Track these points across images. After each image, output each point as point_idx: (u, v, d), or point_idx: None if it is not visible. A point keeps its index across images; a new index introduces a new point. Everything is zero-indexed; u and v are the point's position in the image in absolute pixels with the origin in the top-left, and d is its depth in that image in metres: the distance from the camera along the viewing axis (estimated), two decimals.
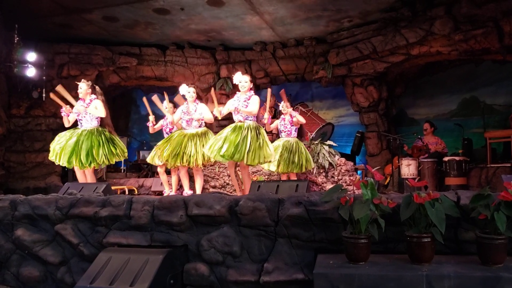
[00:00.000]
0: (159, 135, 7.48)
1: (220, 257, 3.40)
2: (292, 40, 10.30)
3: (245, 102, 5.65)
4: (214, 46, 10.78)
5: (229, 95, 10.82)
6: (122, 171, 10.84)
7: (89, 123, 6.05)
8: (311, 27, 9.51)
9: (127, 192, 8.57)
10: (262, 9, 8.47)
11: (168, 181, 7.19)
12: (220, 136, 5.51)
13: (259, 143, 5.44)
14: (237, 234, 3.43)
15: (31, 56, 9.17)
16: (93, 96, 6.14)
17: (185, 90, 6.19)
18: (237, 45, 10.65)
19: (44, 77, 9.59)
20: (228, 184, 7.67)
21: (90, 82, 6.32)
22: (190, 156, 5.80)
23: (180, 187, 7.43)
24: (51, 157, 5.98)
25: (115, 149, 6.02)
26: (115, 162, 6.26)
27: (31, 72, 9.19)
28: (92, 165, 5.84)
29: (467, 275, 2.55)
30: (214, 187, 7.69)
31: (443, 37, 8.40)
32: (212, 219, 3.48)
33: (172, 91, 12.12)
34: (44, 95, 9.63)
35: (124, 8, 8.44)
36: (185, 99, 6.18)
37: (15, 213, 4.10)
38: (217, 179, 7.79)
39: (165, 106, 6.82)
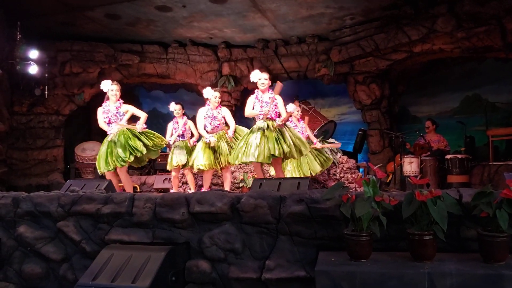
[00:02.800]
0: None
1: (222, 254, 3.40)
2: (294, 37, 10.29)
3: (269, 104, 5.54)
4: (216, 44, 10.78)
5: (231, 93, 10.84)
6: None
7: (117, 127, 5.95)
8: (314, 25, 9.50)
9: None
10: (264, 6, 8.46)
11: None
12: (250, 140, 5.40)
13: (294, 138, 5.51)
14: (239, 231, 3.44)
15: (34, 53, 9.19)
16: (121, 101, 6.08)
17: (211, 94, 6.17)
18: (239, 42, 10.65)
19: (46, 75, 9.63)
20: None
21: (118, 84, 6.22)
22: (226, 155, 5.91)
23: (200, 187, 7.43)
24: (98, 169, 5.96)
25: (150, 140, 5.97)
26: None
27: (33, 69, 9.21)
28: (132, 156, 5.73)
29: (469, 273, 2.55)
30: (216, 184, 7.69)
31: (445, 34, 8.38)
32: (214, 216, 3.48)
33: (174, 89, 12.18)
34: (46, 92, 9.67)
35: (126, 5, 8.44)
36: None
37: (18, 210, 4.11)
38: (219, 176, 7.79)
39: (173, 108, 7.03)
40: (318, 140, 7.69)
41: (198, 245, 3.51)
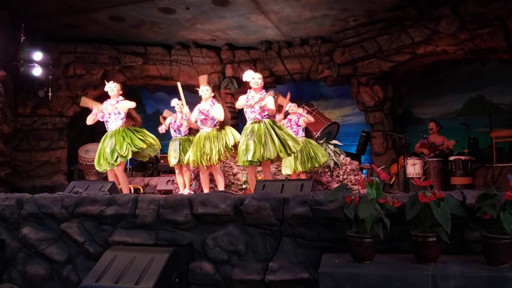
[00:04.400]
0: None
1: (225, 256, 3.40)
2: (297, 39, 10.29)
3: (257, 100, 5.56)
4: (219, 46, 10.79)
5: (234, 95, 10.84)
6: (128, 170, 10.87)
7: (114, 123, 6.10)
8: (317, 26, 9.50)
9: (132, 191, 8.59)
10: (267, 8, 8.46)
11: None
12: (242, 142, 5.53)
13: (283, 136, 5.47)
14: (242, 233, 3.44)
15: (38, 55, 9.22)
16: (121, 98, 6.27)
17: (202, 88, 6.31)
18: (242, 44, 10.66)
19: (50, 76, 9.66)
20: (233, 183, 7.66)
21: (119, 84, 6.45)
22: (206, 154, 5.86)
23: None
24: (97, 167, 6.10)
25: (142, 141, 6.05)
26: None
27: (37, 71, 9.24)
28: (119, 160, 5.84)
29: (473, 275, 2.54)
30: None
31: (449, 36, 8.37)
32: (217, 218, 3.49)
33: (178, 90, 12.18)
34: (50, 94, 9.70)
35: (130, 7, 8.46)
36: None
37: (22, 212, 4.13)
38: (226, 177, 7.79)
39: (175, 102, 7.04)
40: (321, 141, 7.68)
41: (201, 247, 3.52)
